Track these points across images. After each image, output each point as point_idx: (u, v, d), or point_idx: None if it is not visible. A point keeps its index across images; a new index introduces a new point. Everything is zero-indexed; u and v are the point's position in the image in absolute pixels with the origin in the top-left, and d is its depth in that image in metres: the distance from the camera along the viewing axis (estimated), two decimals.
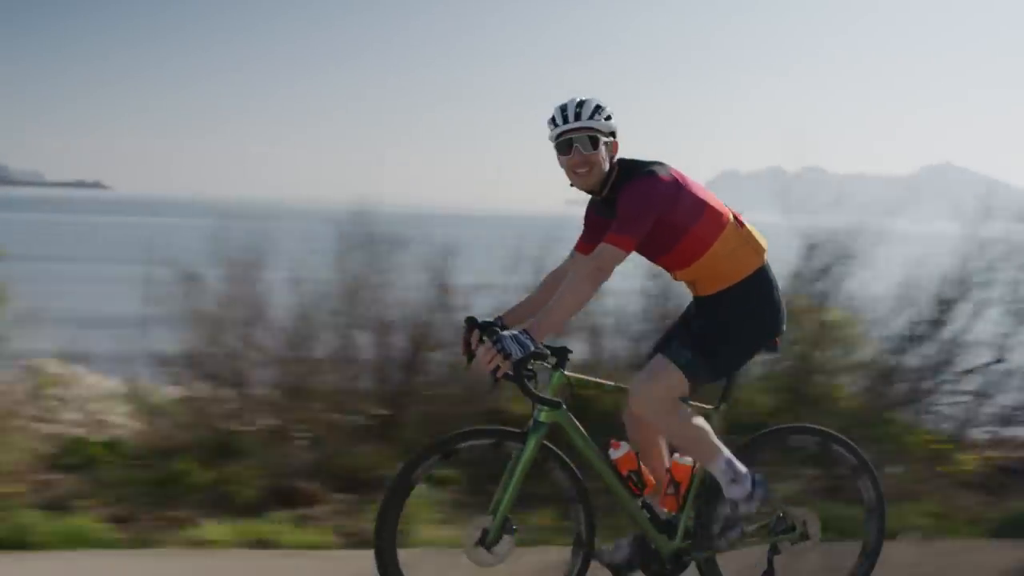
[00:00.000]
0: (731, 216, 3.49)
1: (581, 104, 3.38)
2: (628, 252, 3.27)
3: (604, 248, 3.25)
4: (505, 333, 3.16)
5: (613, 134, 3.44)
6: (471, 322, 3.56)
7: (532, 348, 3.15)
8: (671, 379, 3.40)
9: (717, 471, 3.48)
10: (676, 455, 3.64)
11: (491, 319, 3.64)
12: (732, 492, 3.49)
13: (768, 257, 3.56)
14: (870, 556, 3.82)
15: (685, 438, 3.49)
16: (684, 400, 3.49)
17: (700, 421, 3.49)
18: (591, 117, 3.37)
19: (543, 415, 3.42)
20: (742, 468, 3.50)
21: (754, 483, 3.51)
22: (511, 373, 3.17)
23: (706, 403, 3.64)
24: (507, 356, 3.11)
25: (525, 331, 3.17)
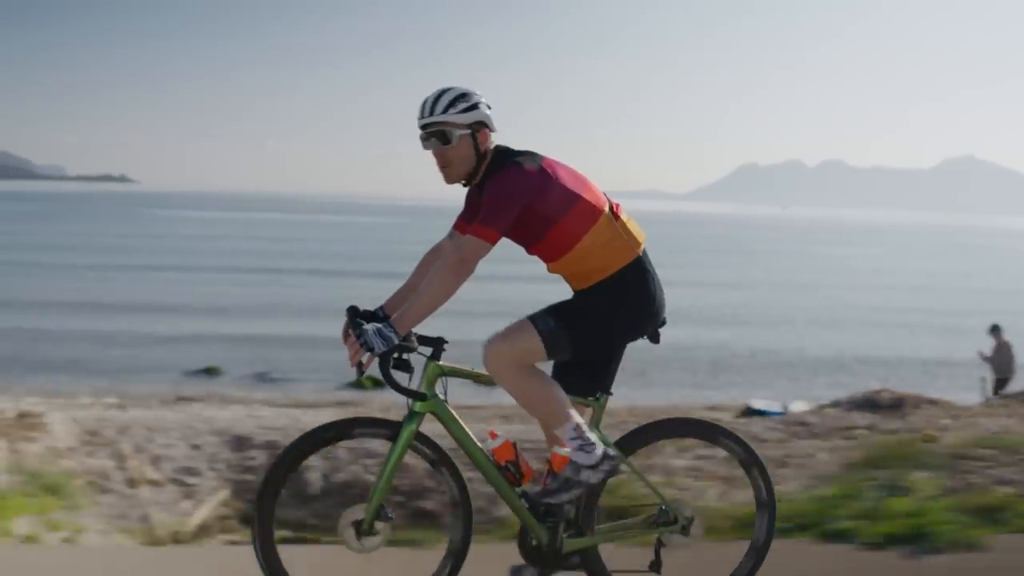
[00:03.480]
0: (607, 208, 3.45)
1: (440, 96, 3.35)
2: (492, 244, 3.26)
3: (467, 240, 3.25)
4: (368, 327, 3.20)
5: (481, 124, 3.38)
6: (351, 311, 3.52)
7: (395, 341, 3.20)
8: (528, 344, 3.36)
9: (565, 435, 3.43)
10: (556, 446, 3.61)
11: (373, 309, 3.61)
12: (579, 457, 3.42)
13: (645, 249, 3.52)
14: (759, 551, 3.74)
15: (532, 399, 3.42)
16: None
17: (552, 386, 3.43)
18: (445, 111, 3.33)
19: (417, 405, 3.44)
20: (592, 438, 3.44)
21: (604, 455, 3.44)
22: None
23: (587, 395, 3.60)
24: (369, 350, 3.16)
25: (390, 324, 3.20)
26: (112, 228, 70.33)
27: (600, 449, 3.44)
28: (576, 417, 3.44)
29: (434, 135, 3.35)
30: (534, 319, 3.40)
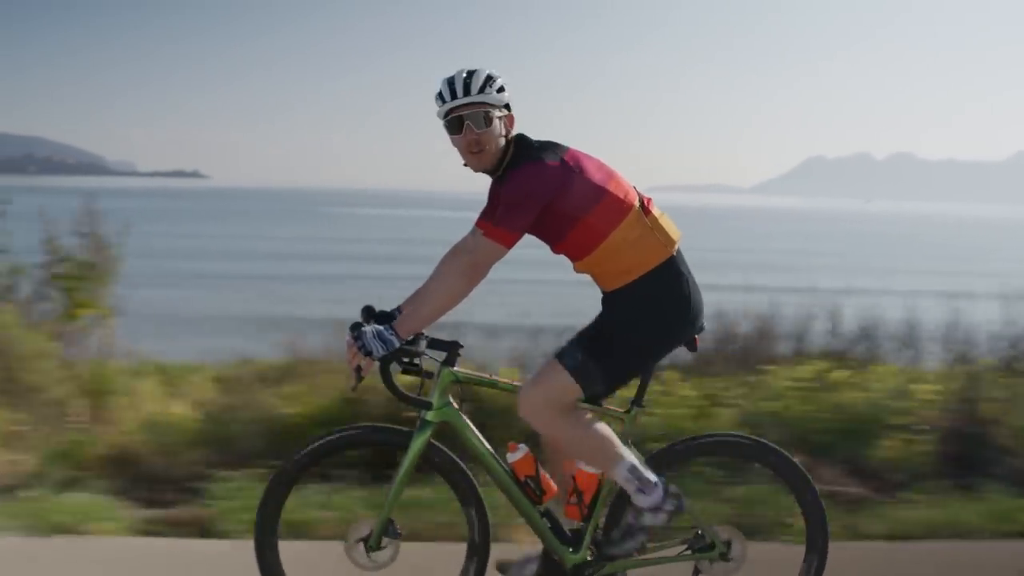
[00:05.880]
0: (637, 203, 3.16)
1: (471, 75, 3.10)
2: (508, 247, 3.02)
3: (481, 242, 3.01)
4: (367, 329, 3.00)
5: (507, 107, 3.16)
6: (367, 312, 3.27)
7: (396, 345, 3.00)
8: (560, 383, 3.13)
9: (621, 479, 3.19)
10: (580, 463, 3.34)
11: (390, 309, 3.35)
12: (640, 500, 3.20)
13: (679, 248, 3.23)
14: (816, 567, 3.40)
15: (580, 446, 3.21)
16: (591, 402, 3.22)
17: (598, 426, 3.20)
18: (482, 90, 3.08)
19: (430, 414, 3.21)
20: (651, 476, 3.19)
21: (666, 493, 3.20)
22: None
23: (618, 406, 3.36)
24: (368, 354, 2.98)
25: (391, 327, 3.01)
26: (320, 230, 60.55)
27: (660, 488, 3.19)
28: (629, 456, 3.19)
29: (471, 117, 3.09)
30: (560, 355, 3.17)
